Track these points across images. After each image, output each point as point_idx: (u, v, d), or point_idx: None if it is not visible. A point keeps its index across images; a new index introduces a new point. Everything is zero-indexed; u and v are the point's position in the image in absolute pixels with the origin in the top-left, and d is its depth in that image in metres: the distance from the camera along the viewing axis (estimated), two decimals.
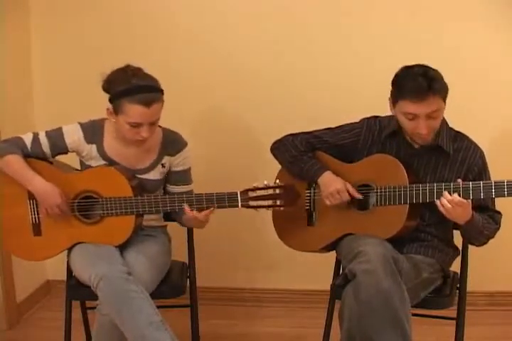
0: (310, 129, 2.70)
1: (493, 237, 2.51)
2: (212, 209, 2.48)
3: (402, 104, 2.39)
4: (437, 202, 2.36)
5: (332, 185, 2.54)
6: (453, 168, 2.51)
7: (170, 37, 3.33)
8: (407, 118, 2.40)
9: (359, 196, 2.53)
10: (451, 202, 2.32)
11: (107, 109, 2.49)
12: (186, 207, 2.48)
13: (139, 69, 2.48)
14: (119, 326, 2.35)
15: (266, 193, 2.42)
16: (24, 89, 3.42)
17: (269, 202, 2.43)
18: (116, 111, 2.45)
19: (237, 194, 2.45)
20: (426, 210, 2.51)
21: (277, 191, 2.42)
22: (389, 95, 2.47)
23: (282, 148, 2.68)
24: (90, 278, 2.37)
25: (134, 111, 2.41)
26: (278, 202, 2.43)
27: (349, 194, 2.53)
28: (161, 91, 2.48)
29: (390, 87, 2.46)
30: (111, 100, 2.46)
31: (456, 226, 2.54)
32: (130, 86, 2.41)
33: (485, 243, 2.52)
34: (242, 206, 2.45)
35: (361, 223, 2.54)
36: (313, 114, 3.21)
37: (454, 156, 2.51)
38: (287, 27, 3.26)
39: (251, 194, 2.43)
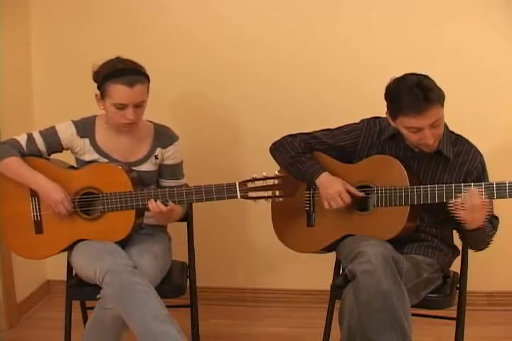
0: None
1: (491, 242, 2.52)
2: (170, 203, 2.48)
3: (403, 119, 2.37)
4: (455, 201, 2.34)
5: (331, 186, 2.53)
6: (452, 172, 2.50)
7: (169, 36, 3.33)
8: (411, 131, 2.39)
9: (361, 194, 2.51)
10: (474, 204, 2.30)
11: (96, 95, 2.54)
12: (151, 203, 2.47)
13: (127, 59, 2.54)
14: (125, 319, 2.35)
15: (265, 184, 2.42)
16: (24, 89, 3.42)
17: (269, 193, 2.42)
18: (102, 95, 2.51)
19: (235, 185, 2.44)
20: (425, 212, 2.51)
21: (276, 182, 2.42)
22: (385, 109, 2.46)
23: (281, 148, 2.68)
24: (95, 272, 2.38)
25: (118, 91, 2.46)
26: (277, 193, 2.42)
27: (350, 194, 2.52)
28: (146, 76, 2.52)
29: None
30: (98, 87, 2.52)
31: (456, 227, 2.54)
32: (114, 69, 2.48)
33: (483, 249, 2.52)
34: (241, 197, 2.44)
35: (361, 224, 2.54)
36: (310, 111, 3.23)
37: (454, 160, 2.50)
38: (285, 25, 3.25)
39: (250, 185, 2.42)
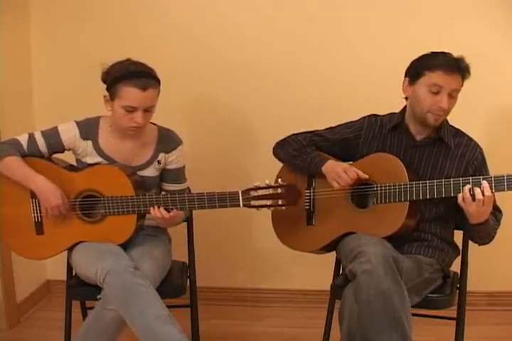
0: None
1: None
2: (174, 209, 2.48)
3: (431, 75, 2.40)
4: (462, 194, 2.33)
5: (337, 166, 2.54)
6: (453, 162, 2.51)
7: (169, 36, 3.33)
8: (432, 91, 2.41)
9: (365, 176, 2.50)
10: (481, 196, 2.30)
11: (104, 97, 2.51)
12: (153, 210, 2.47)
13: (139, 62, 2.51)
14: (126, 320, 2.35)
15: (268, 193, 2.41)
16: (24, 89, 3.43)
17: (271, 202, 2.42)
18: (112, 96, 2.48)
19: (238, 193, 2.44)
20: (425, 206, 2.51)
21: (279, 190, 2.41)
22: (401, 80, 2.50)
23: (285, 144, 2.69)
24: (96, 272, 2.37)
25: (130, 94, 2.43)
26: (280, 202, 2.42)
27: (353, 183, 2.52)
28: (158, 81, 2.50)
29: (404, 74, 2.51)
30: (108, 88, 2.49)
31: (460, 225, 2.55)
32: (127, 71, 2.45)
33: (487, 243, 2.52)
34: (244, 205, 2.44)
35: (361, 221, 2.54)
36: (310, 110, 3.24)
37: (455, 151, 2.52)
38: (285, 25, 3.26)
39: (253, 193, 2.42)
